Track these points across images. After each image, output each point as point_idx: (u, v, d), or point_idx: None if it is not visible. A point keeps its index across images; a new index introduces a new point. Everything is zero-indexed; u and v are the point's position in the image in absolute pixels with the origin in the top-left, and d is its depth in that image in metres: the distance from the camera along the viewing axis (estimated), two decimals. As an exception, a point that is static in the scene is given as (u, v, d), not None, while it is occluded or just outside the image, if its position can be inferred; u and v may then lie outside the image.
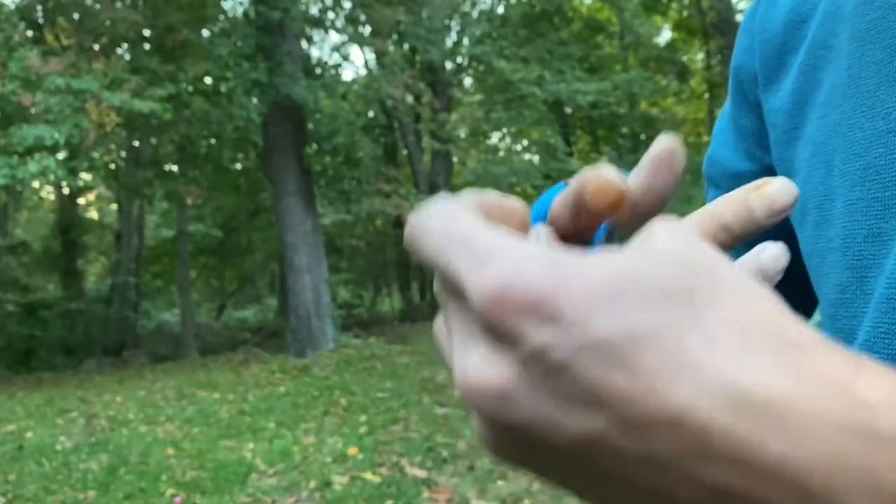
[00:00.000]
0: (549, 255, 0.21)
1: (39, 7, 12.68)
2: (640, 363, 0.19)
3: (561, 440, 0.20)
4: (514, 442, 0.21)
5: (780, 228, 0.45)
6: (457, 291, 0.23)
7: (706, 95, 18.01)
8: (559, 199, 0.29)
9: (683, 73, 18.16)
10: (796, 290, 0.56)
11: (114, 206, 18.07)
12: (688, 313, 0.20)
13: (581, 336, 0.19)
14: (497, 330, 0.20)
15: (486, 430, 0.22)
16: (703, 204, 0.34)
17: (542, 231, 0.29)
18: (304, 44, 14.11)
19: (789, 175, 0.54)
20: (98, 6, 11.55)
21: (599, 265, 0.21)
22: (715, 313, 0.20)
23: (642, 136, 17.34)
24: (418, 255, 0.25)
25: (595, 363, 0.19)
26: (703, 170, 0.69)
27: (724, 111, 0.66)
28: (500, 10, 16.57)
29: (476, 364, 0.21)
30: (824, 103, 0.49)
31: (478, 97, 17.51)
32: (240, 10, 13.62)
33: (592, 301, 0.20)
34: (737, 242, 0.29)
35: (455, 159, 18.87)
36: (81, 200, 18.02)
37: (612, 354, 0.19)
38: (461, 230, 0.23)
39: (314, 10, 14.46)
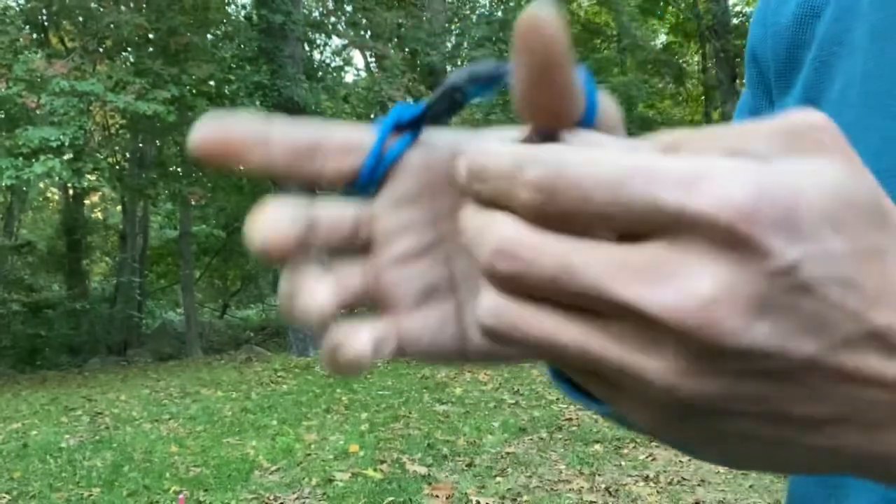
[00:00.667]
0: (758, 169, 0.19)
1: (44, 10, 12.77)
2: (866, 283, 0.19)
3: (783, 364, 0.19)
4: (714, 385, 0.20)
5: None
6: (656, 225, 0.19)
7: (702, 98, 18.30)
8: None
9: (680, 76, 18.34)
10: None
11: (118, 207, 18.15)
12: (889, 233, 0.20)
13: (823, 254, 0.19)
14: (741, 245, 0.18)
15: (688, 367, 0.19)
16: None
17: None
18: (305, 47, 14.20)
19: None
20: (102, 9, 11.64)
21: (814, 178, 0.19)
22: None
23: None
24: (572, 203, 0.20)
25: (833, 283, 0.19)
26: None
27: (744, 102, 0.61)
28: (500, 13, 16.65)
29: (713, 281, 0.19)
30: (837, 102, 0.47)
31: (477, 100, 17.56)
32: (242, 14, 13.73)
33: (827, 218, 0.19)
34: None
35: (456, 161, 18.93)
36: (86, 201, 18.10)
37: (846, 275, 0.19)
38: (628, 160, 0.20)
39: (316, 14, 14.56)
